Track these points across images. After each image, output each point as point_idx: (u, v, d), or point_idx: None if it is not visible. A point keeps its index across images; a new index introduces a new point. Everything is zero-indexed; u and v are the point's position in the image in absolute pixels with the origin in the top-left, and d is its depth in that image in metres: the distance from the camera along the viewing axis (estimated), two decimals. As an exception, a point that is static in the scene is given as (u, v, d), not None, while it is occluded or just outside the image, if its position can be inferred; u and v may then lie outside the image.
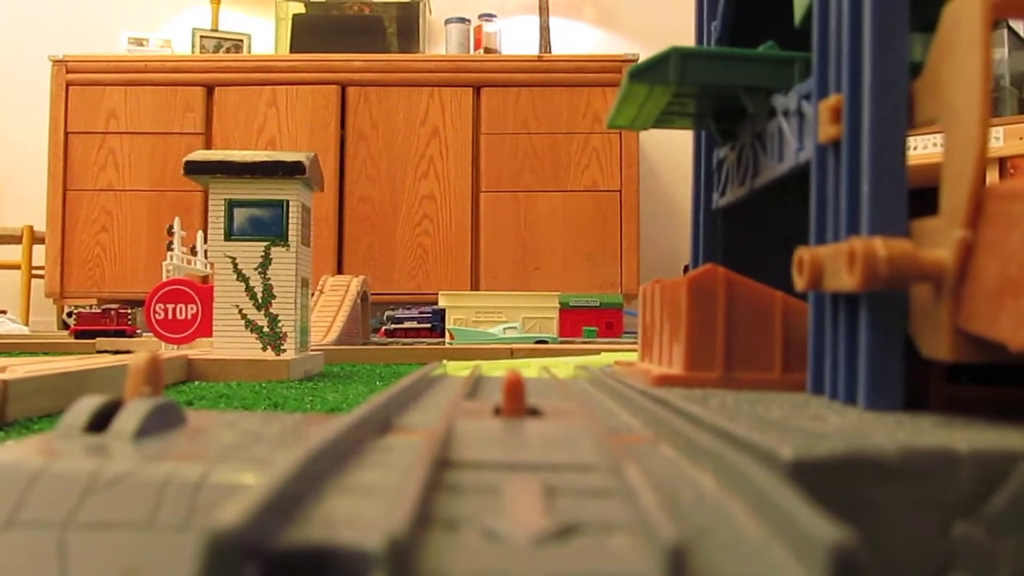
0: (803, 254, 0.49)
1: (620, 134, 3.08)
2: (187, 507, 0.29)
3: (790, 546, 0.21)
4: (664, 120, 0.73)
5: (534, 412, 0.43)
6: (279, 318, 1.33)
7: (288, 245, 1.32)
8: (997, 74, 2.59)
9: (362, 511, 0.23)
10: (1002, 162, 2.40)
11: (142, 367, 0.39)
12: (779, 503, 0.22)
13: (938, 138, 2.30)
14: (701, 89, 0.66)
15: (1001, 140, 2.39)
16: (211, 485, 0.30)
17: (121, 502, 0.30)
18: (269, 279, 1.32)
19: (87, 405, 0.38)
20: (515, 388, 0.42)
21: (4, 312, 2.72)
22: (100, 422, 0.37)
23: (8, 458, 0.32)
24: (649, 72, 0.63)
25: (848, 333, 0.48)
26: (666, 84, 0.63)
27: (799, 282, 0.50)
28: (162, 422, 0.37)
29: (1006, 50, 2.66)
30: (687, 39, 0.79)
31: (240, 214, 1.32)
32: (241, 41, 3.45)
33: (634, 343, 1.76)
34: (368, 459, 0.31)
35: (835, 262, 0.46)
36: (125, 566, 0.29)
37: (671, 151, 3.48)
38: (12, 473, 0.31)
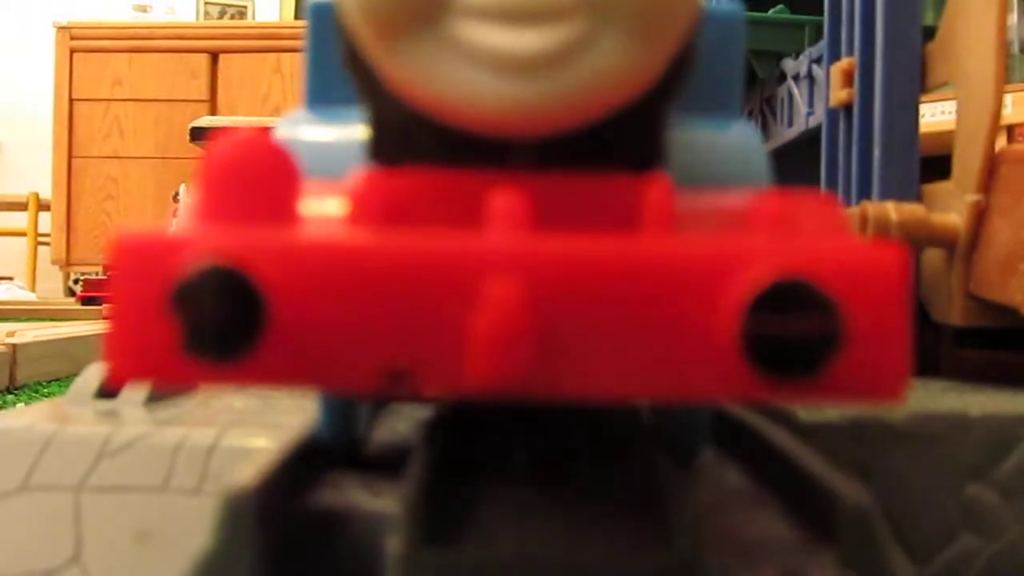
0: (813, 219, 0.49)
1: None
2: (199, 471, 0.30)
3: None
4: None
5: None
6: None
7: (294, 211, 1.31)
8: (1007, 40, 2.58)
9: (376, 475, 0.24)
10: (1010, 130, 2.38)
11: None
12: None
13: (942, 106, 2.29)
14: (710, 53, 0.65)
15: (1010, 108, 2.37)
16: (223, 449, 0.30)
17: (134, 466, 0.30)
18: (276, 245, 1.32)
19: (98, 370, 0.38)
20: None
21: (11, 279, 2.72)
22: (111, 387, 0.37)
23: (21, 423, 0.32)
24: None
25: (858, 298, 0.48)
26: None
27: (809, 247, 0.50)
28: (173, 387, 0.37)
29: (1015, 15, 2.64)
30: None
31: (246, 180, 1.31)
32: (245, 7, 3.43)
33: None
34: (382, 423, 0.31)
35: (846, 227, 0.46)
36: (138, 529, 0.29)
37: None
38: (25, 438, 0.31)
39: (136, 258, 0.16)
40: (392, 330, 0.17)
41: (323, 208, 0.20)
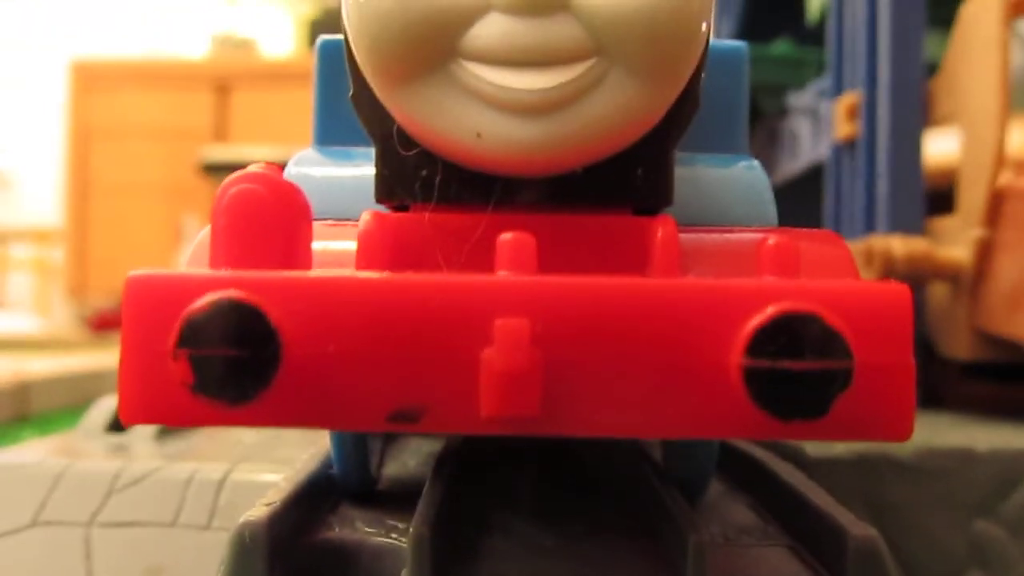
0: (819, 253, 0.49)
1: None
2: (210, 506, 0.30)
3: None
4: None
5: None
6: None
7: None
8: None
9: (387, 509, 0.24)
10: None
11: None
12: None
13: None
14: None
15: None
16: (233, 484, 0.30)
17: (144, 501, 0.30)
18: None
19: (108, 404, 0.38)
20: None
21: (21, 309, 2.73)
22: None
23: (32, 458, 0.32)
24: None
25: (864, 331, 0.48)
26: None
27: (815, 281, 0.50)
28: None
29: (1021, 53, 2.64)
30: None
31: (255, 213, 1.32)
32: (257, 42, 3.45)
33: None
34: (392, 457, 0.31)
35: (852, 261, 0.46)
36: (149, 564, 0.29)
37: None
38: (37, 473, 0.31)
39: (149, 301, 0.16)
40: (403, 370, 0.17)
41: (334, 248, 0.20)
